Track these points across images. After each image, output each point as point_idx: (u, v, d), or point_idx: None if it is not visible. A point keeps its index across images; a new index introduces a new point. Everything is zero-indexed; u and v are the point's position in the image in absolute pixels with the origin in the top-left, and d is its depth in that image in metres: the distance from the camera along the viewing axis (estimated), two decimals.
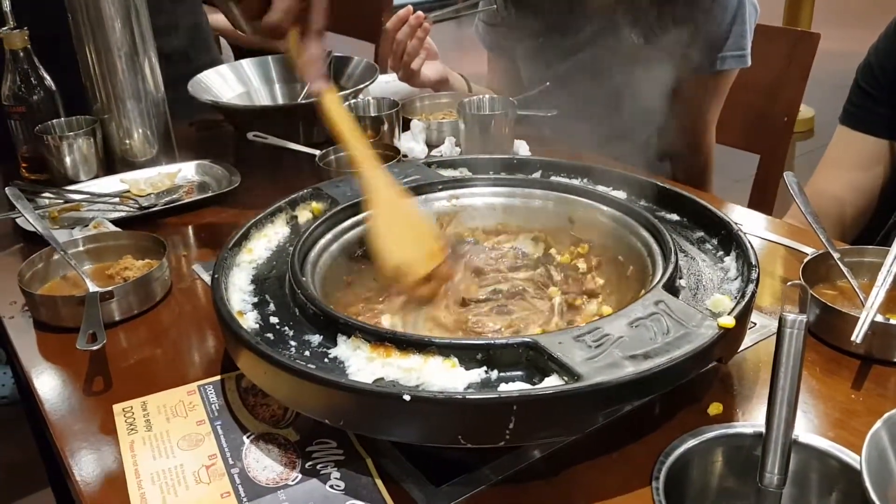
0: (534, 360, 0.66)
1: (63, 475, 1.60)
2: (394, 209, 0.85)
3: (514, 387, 0.64)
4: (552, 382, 0.64)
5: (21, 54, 1.26)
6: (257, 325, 0.75)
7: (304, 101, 1.44)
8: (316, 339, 0.72)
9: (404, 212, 0.87)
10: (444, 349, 0.67)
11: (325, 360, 0.70)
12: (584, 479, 0.67)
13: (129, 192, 1.21)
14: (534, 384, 0.65)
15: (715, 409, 0.73)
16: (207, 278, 1.00)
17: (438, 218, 0.97)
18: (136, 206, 1.17)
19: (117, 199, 1.19)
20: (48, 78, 1.29)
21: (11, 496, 1.99)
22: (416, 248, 0.83)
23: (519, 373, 0.66)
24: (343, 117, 0.86)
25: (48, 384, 0.83)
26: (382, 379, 0.66)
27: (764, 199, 1.65)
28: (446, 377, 0.65)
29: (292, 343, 0.72)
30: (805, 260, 0.88)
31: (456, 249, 0.91)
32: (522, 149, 1.32)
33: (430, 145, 1.37)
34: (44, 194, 1.19)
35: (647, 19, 1.40)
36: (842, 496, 0.68)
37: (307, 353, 0.71)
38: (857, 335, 0.75)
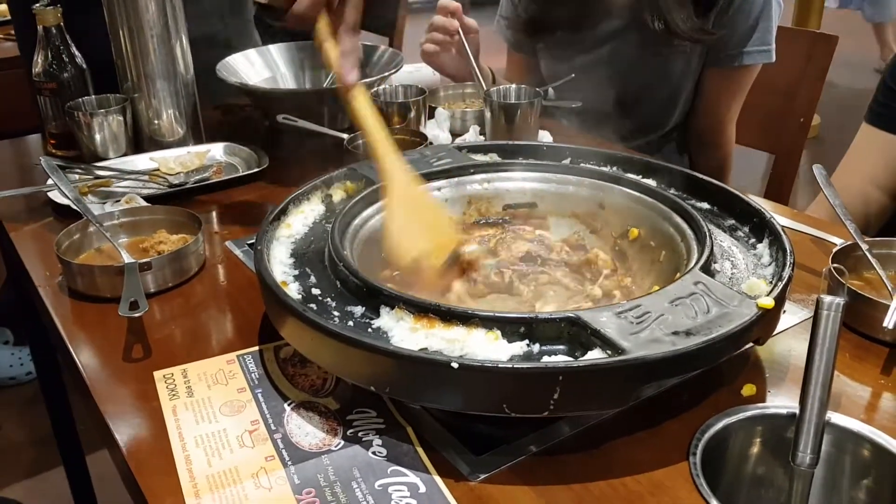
0: (576, 334, 0.67)
1: (81, 452, 1.61)
2: (409, 204, 0.85)
3: (558, 359, 0.65)
4: (595, 356, 0.65)
5: (54, 31, 1.27)
6: (300, 296, 0.76)
7: (331, 87, 1.45)
8: (359, 310, 0.73)
9: (419, 205, 0.87)
10: (488, 322, 0.68)
11: (369, 330, 0.71)
12: (623, 453, 0.68)
13: (158, 170, 1.22)
14: (575, 358, 0.66)
15: (748, 390, 0.74)
16: (240, 254, 1.02)
17: (471, 200, 0.98)
18: (166, 183, 1.18)
19: (147, 177, 1.20)
20: (79, 55, 1.30)
21: (23, 475, 2.01)
22: (429, 239, 0.84)
23: (561, 346, 0.68)
24: (369, 113, 0.86)
25: (87, 351, 0.84)
26: (426, 349, 0.67)
27: (778, 199, 1.67)
28: (489, 349, 0.67)
29: (335, 313, 0.73)
30: (834, 250, 0.89)
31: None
32: (546, 139, 1.33)
33: (454, 134, 1.39)
34: (74, 170, 1.20)
35: (671, 11, 1.41)
36: (874, 478, 0.70)
37: (350, 323, 0.72)
38: (890, 321, 0.77)
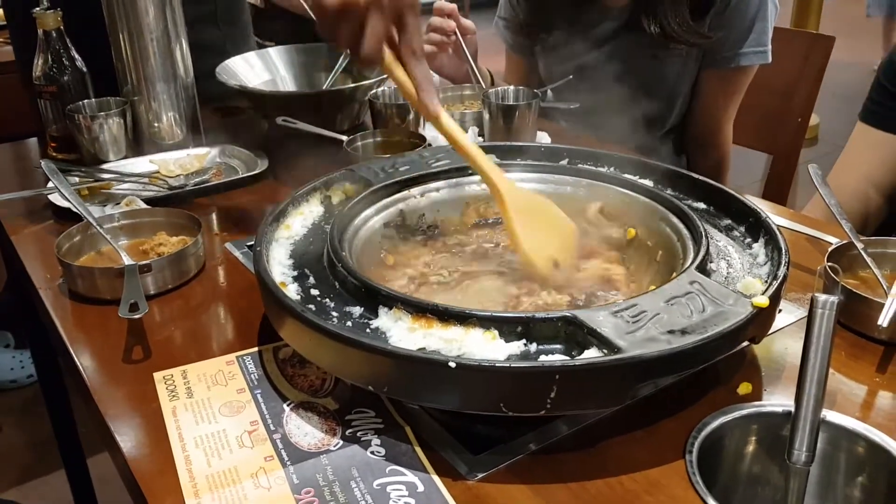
0: (572, 333, 0.68)
1: (82, 454, 1.61)
2: (527, 212, 0.87)
3: (555, 358, 0.66)
4: (591, 355, 0.65)
5: (54, 35, 1.28)
6: (299, 297, 0.77)
7: (329, 89, 1.46)
8: (357, 310, 0.74)
9: (535, 210, 0.88)
10: (485, 321, 0.68)
11: (367, 330, 0.71)
12: (619, 452, 0.68)
13: (158, 172, 1.22)
14: (572, 357, 0.66)
15: (745, 388, 0.75)
16: (240, 256, 1.02)
17: (470, 202, 0.98)
18: (166, 186, 1.19)
19: (147, 180, 1.20)
20: (79, 59, 1.31)
21: (23, 477, 2.01)
22: (557, 240, 0.87)
23: (558, 346, 0.68)
24: (461, 135, 0.86)
25: (87, 353, 0.85)
26: (424, 349, 0.68)
27: (776, 199, 1.67)
28: (487, 348, 0.67)
29: (334, 314, 0.74)
30: (829, 249, 0.90)
31: None
32: (545, 140, 1.34)
33: None
34: (74, 173, 1.21)
35: (667, 14, 1.41)
36: (868, 475, 0.70)
37: (349, 323, 0.72)
38: (884, 319, 0.77)
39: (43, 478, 1.99)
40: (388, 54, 0.83)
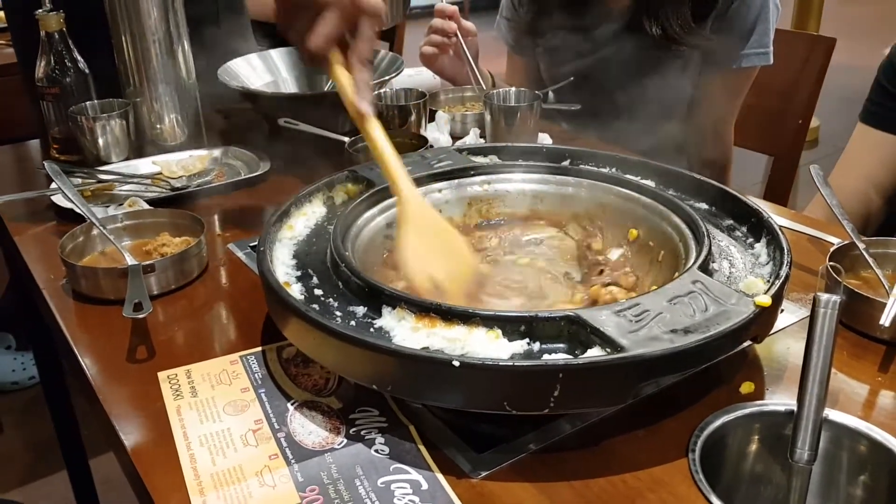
0: (575, 333, 0.68)
1: (84, 455, 1.61)
2: (425, 231, 0.83)
3: (558, 357, 0.66)
4: (594, 354, 0.66)
5: (56, 36, 1.28)
6: (302, 297, 0.77)
7: (331, 91, 1.46)
8: (360, 310, 0.74)
9: (437, 232, 0.85)
10: (489, 321, 0.69)
11: (371, 329, 0.72)
12: (622, 450, 0.69)
13: (160, 173, 1.23)
14: (575, 356, 0.67)
15: (747, 388, 0.75)
16: (243, 257, 1.02)
17: (472, 202, 0.99)
18: (169, 187, 1.19)
19: (149, 181, 1.21)
20: (82, 60, 1.31)
21: (25, 479, 2.01)
22: (450, 268, 0.82)
23: (561, 345, 0.68)
24: (385, 143, 0.85)
25: (91, 353, 0.85)
26: (427, 348, 0.68)
27: (777, 201, 1.67)
28: (490, 348, 0.67)
29: (337, 314, 0.74)
30: (831, 249, 0.90)
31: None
32: (546, 141, 1.34)
33: (455, 137, 1.40)
34: (76, 174, 1.21)
35: (668, 16, 1.42)
36: (871, 474, 0.70)
37: (352, 323, 0.73)
38: (886, 319, 0.77)
39: (45, 479, 2.00)
40: (335, 55, 0.84)
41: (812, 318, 0.63)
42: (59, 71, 1.29)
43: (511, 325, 0.68)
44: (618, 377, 0.64)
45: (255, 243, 1.04)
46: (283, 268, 0.82)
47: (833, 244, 0.94)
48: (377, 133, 0.85)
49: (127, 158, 1.29)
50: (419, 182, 0.97)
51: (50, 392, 1.61)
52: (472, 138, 1.37)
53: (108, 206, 1.12)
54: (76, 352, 0.85)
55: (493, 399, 0.64)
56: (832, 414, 0.71)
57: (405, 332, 0.70)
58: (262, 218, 1.15)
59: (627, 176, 0.99)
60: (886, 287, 0.85)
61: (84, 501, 1.72)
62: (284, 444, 0.69)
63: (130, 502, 0.73)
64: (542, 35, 1.64)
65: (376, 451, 0.68)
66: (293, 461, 0.67)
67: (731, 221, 0.91)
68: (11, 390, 2.28)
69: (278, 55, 1.52)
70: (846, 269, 0.91)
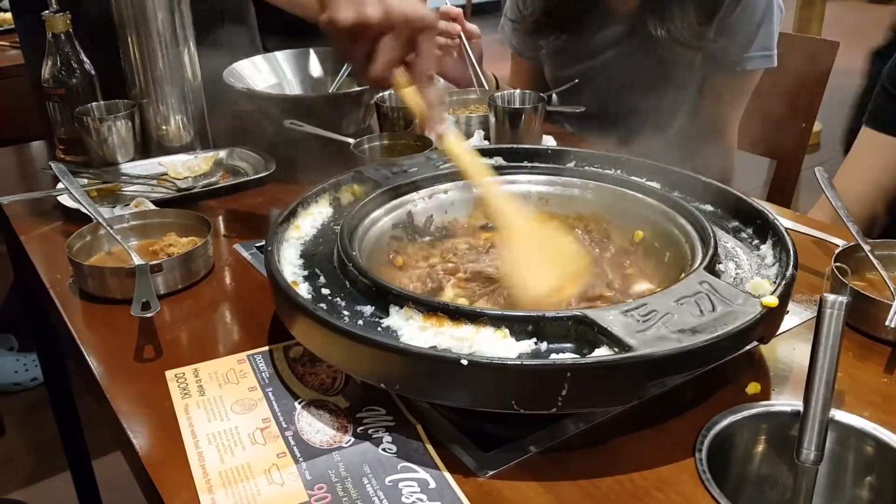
0: (583, 332, 0.68)
1: (87, 456, 1.61)
2: (529, 241, 0.84)
3: (566, 357, 0.66)
4: (602, 353, 0.66)
5: (63, 37, 1.28)
6: (310, 296, 0.77)
7: (336, 93, 1.46)
8: (368, 309, 0.74)
9: (542, 239, 0.87)
10: (496, 320, 0.69)
11: (378, 328, 0.72)
12: (629, 450, 0.69)
13: (166, 174, 1.23)
14: (583, 356, 0.67)
15: (753, 388, 0.75)
16: (249, 257, 1.03)
17: (478, 203, 0.99)
18: (174, 188, 1.19)
19: (155, 182, 1.21)
20: (88, 61, 1.31)
21: (28, 480, 2.01)
22: (557, 273, 0.83)
23: (568, 345, 0.69)
24: (468, 157, 0.87)
25: (98, 352, 0.85)
26: (435, 347, 0.68)
27: (780, 204, 1.67)
28: (498, 347, 0.68)
29: (345, 313, 0.74)
30: (836, 251, 0.90)
31: None
32: (550, 143, 1.34)
33: None
34: (82, 175, 1.21)
35: (673, 18, 1.42)
36: (877, 475, 0.70)
37: (360, 322, 0.73)
38: (892, 320, 0.78)
39: (48, 480, 2.00)
40: (399, 78, 0.84)
41: (819, 318, 0.64)
42: (66, 72, 1.29)
43: (519, 325, 0.69)
44: (625, 377, 0.64)
45: (261, 244, 1.04)
46: (291, 267, 0.83)
47: (838, 246, 0.94)
48: (457, 148, 0.86)
49: (133, 159, 1.29)
50: (423, 184, 0.97)
51: (54, 393, 1.61)
52: (477, 140, 1.37)
53: (114, 207, 1.12)
54: (83, 351, 0.85)
55: (501, 398, 0.65)
56: (838, 414, 0.71)
57: (413, 331, 0.70)
58: (268, 219, 1.15)
59: (633, 178, 0.99)
60: (892, 289, 0.85)
61: (87, 503, 1.72)
62: (292, 443, 0.69)
63: (133, 503, 0.73)
64: (546, 37, 1.64)
65: (384, 449, 0.68)
66: (301, 459, 0.67)
67: (736, 223, 0.91)
68: (14, 391, 2.28)
69: (283, 57, 1.53)
70: (852, 271, 0.91)
